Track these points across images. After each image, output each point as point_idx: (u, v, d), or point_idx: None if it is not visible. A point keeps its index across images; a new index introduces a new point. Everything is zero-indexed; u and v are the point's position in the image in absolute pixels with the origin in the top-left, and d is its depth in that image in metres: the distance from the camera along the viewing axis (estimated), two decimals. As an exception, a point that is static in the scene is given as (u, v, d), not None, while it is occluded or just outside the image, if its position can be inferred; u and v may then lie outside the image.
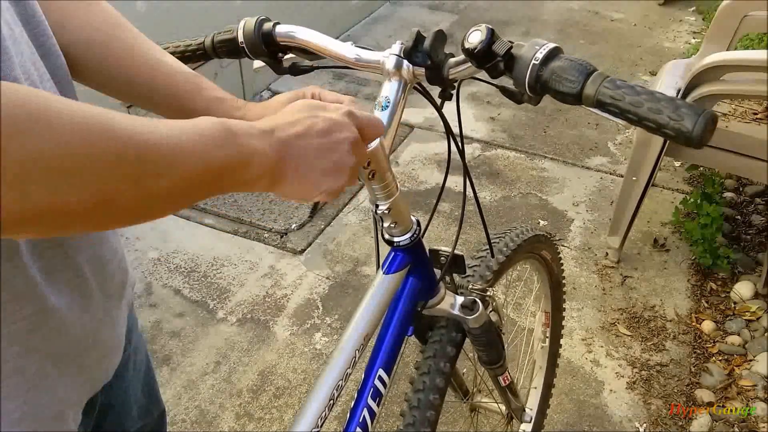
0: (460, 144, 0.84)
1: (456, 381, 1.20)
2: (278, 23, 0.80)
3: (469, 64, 0.69)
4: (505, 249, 1.12)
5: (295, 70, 0.83)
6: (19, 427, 0.54)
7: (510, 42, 0.66)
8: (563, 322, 1.51)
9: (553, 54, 0.63)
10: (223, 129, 0.48)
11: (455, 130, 0.83)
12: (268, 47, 0.80)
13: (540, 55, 0.63)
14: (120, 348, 0.71)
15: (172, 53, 0.82)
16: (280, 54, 0.82)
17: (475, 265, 1.09)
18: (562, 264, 1.37)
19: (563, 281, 1.41)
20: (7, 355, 0.52)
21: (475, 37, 0.66)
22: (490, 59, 0.66)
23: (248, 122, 0.52)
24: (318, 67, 0.83)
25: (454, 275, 1.01)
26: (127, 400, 0.81)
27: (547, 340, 1.48)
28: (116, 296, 0.68)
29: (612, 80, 0.60)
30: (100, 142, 0.40)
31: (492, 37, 0.65)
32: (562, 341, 1.86)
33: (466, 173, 0.86)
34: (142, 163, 0.42)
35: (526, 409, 1.40)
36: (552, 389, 1.56)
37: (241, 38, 0.80)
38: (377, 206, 0.76)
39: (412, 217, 0.82)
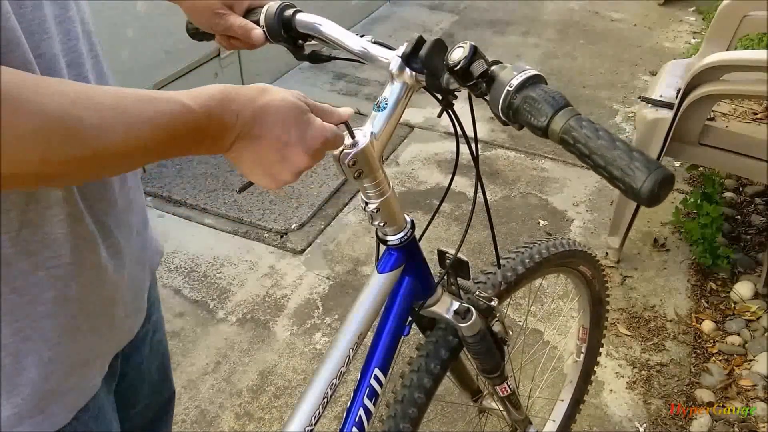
0: (474, 149, 0.79)
1: (465, 381, 1.17)
2: (299, 11, 0.81)
3: None
4: (519, 267, 1.05)
5: (315, 58, 0.83)
6: (50, 366, 0.59)
7: (488, 63, 0.63)
8: (603, 341, 1.44)
9: (531, 82, 0.59)
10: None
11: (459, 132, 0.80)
12: (288, 33, 0.80)
13: (515, 82, 0.59)
14: (143, 311, 0.76)
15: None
16: (300, 41, 0.82)
17: (490, 272, 1.04)
18: (606, 281, 1.31)
19: (606, 299, 1.33)
20: (43, 299, 0.57)
21: (457, 54, 0.63)
22: (471, 78, 0.63)
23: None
24: (336, 58, 0.82)
25: (464, 280, 0.97)
26: (141, 374, 0.85)
27: (582, 355, 1.42)
28: (141, 261, 0.72)
29: (579, 119, 0.56)
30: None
31: (473, 55, 0.62)
32: (564, 342, 1.86)
33: (478, 179, 0.81)
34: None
35: (548, 421, 1.31)
36: (581, 405, 1.50)
37: (262, 21, 0.80)
38: (366, 204, 0.76)
39: (406, 217, 0.82)
